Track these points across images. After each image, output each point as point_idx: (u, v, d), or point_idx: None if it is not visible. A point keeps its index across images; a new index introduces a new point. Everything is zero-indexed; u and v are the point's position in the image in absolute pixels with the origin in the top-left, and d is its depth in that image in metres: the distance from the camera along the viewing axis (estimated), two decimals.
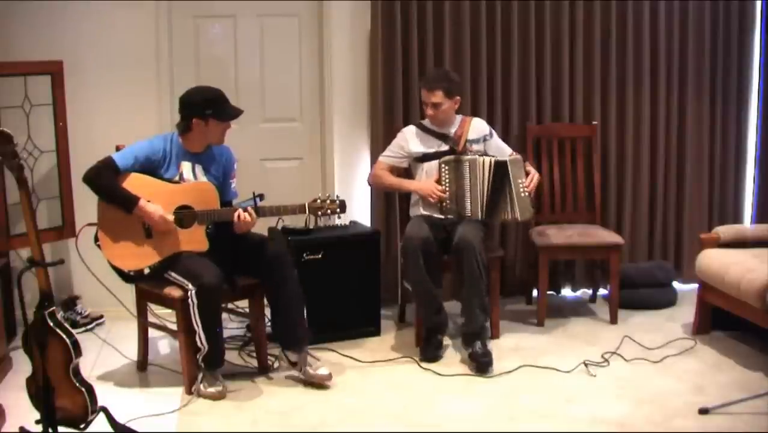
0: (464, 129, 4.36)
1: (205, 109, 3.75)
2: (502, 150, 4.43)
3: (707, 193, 5.24)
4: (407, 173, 4.48)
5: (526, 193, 4.21)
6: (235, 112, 3.84)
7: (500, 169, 4.19)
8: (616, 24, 5.00)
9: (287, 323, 3.84)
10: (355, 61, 4.93)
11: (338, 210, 3.87)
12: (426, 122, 4.40)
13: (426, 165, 4.35)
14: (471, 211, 4.22)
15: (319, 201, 3.85)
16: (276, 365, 4.03)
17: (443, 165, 4.25)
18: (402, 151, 4.40)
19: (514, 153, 4.43)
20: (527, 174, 4.26)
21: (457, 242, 4.07)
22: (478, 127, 4.42)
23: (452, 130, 4.36)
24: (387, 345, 4.38)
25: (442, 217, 4.27)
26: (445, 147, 4.33)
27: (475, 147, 4.34)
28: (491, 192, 4.21)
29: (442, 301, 4.20)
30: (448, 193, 4.23)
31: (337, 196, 3.92)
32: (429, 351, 4.12)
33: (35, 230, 2.97)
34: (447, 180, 4.24)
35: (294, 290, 3.84)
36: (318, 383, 3.79)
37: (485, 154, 4.32)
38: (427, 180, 4.31)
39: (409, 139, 4.38)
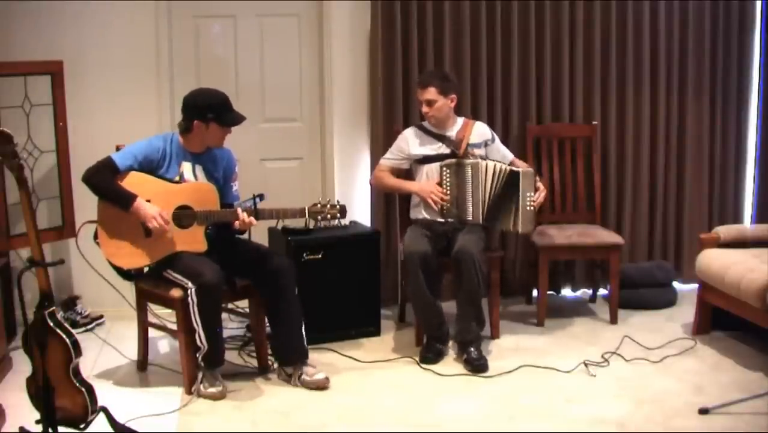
0: (466, 132, 4.34)
1: (207, 112, 3.75)
2: (503, 155, 4.42)
3: (707, 193, 5.24)
4: (408, 174, 4.47)
5: (532, 208, 4.18)
6: (238, 119, 3.83)
7: (512, 179, 4.16)
8: (616, 24, 5.00)
9: (285, 340, 3.83)
10: (355, 61, 4.93)
11: (338, 215, 3.87)
12: (427, 124, 4.38)
13: (426, 167, 4.34)
14: (472, 215, 4.21)
15: (319, 206, 3.85)
16: (276, 365, 4.02)
17: (444, 168, 4.25)
18: (402, 153, 4.38)
19: (518, 160, 4.42)
20: (536, 189, 4.23)
21: (457, 252, 4.05)
22: (480, 131, 4.40)
23: (453, 132, 4.34)
24: (387, 345, 4.38)
25: (443, 221, 4.26)
26: (445, 149, 4.31)
27: (476, 151, 4.31)
28: (496, 198, 4.19)
29: (443, 315, 4.17)
30: (449, 196, 4.22)
31: (338, 202, 3.92)
32: (428, 359, 4.10)
33: (35, 230, 2.97)
34: (448, 184, 4.23)
35: (293, 306, 3.82)
36: (316, 388, 3.78)
37: (487, 158, 4.32)
38: (428, 181, 4.31)
39: (410, 141, 4.37)
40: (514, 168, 4.23)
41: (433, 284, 4.10)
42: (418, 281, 4.03)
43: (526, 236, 4.59)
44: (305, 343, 3.85)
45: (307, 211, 3.83)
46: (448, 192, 4.23)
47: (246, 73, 4.93)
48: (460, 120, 4.40)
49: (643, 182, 5.14)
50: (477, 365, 3.96)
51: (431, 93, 4.22)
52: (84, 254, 4.05)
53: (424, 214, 4.32)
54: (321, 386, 3.77)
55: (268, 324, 3.96)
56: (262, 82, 4.96)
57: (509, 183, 4.17)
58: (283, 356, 3.89)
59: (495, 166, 4.21)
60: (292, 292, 3.83)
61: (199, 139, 3.82)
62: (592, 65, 5.02)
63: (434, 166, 4.30)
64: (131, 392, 3.80)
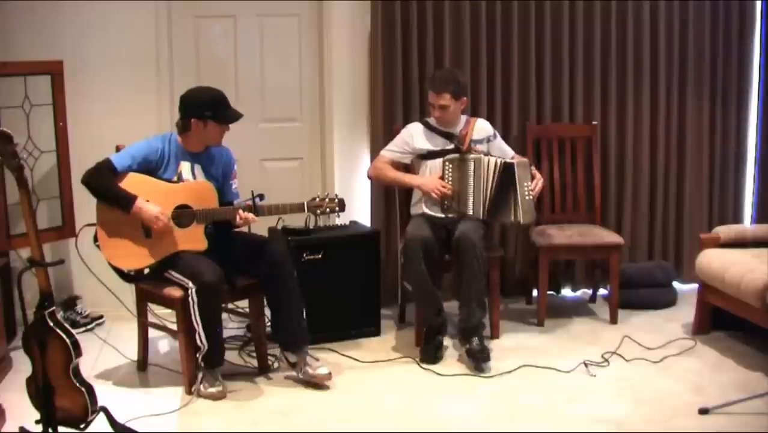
0: (469, 129, 4.36)
1: (204, 110, 3.75)
2: (504, 152, 4.44)
3: (707, 193, 5.24)
4: (407, 170, 4.47)
5: (531, 197, 4.19)
6: (235, 116, 3.83)
7: (507, 171, 4.18)
8: (616, 24, 5.00)
9: (286, 324, 3.83)
10: (355, 61, 4.93)
11: (337, 209, 3.88)
12: (431, 120, 4.38)
13: (429, 163, 4.34)
14: (473, 210, 4.22)
15: (318, 200, 3.86)
16: (276, 365, 4.03)
17: (447, 163, 4.25)
18: (407, 147, 4.38)
19: (517, 156, 4.43)
20: (533, 178, 4.25)
21: (457, 237, 4.07)
22: (482, 127, 4.42)
23: (458, 130, 4.36)
24: (387, 345, 4.38)
25: (443, 216, 4.27)
26: (450, 146, 4.33)
27: (478, 147, 4.34)
28: (495, 193, 4.21)
29: (442, 302, 4.19)
30: (451, 190, 4.23)
31: (336, 195, 3.93)
32: (429, 352, 4.11)
33: (35, 229, 2.97)
34: (450, 178, 4.24)
35: (293, 291, 3.83)
36: (318, 383, 3.79)
37: (488, 154, 4.33)
38: (431, 176, 4.31)
39: (415, 136, 4.38)
40: (508, 160, 4.23)
41: (434, 272, 4.10)
42: (419, 265, 4.03)
43: (527, 227, 4.60)
44: (306, 327, 3.85)
45: (306, 206, 3.84)
46: (450, 187, 4.23)
47: (246, 73, 4.93)
48: (464, 117, 4.42)
49: (643, 182, 5.14)
50: (479, 358, 3.96)
51: (445, 99, 4.23)
52: (83, 257, 4.04)
53: (425, 210, 4.32)
54: (323, 379, 3.78)
55: (268, 319, 3.97)
56: (262, 82, 4.96)
57: (505, 175, 4.18)
58: (285, 340, 3.88)
59: (498, 162, 4.23)
60: (291, 278, 3.83)
61: (197, 138, 3.82)
62: (592, 65, 5.02)
63: (437, 162, 4.31)
64: (131, 392, 3.80)
